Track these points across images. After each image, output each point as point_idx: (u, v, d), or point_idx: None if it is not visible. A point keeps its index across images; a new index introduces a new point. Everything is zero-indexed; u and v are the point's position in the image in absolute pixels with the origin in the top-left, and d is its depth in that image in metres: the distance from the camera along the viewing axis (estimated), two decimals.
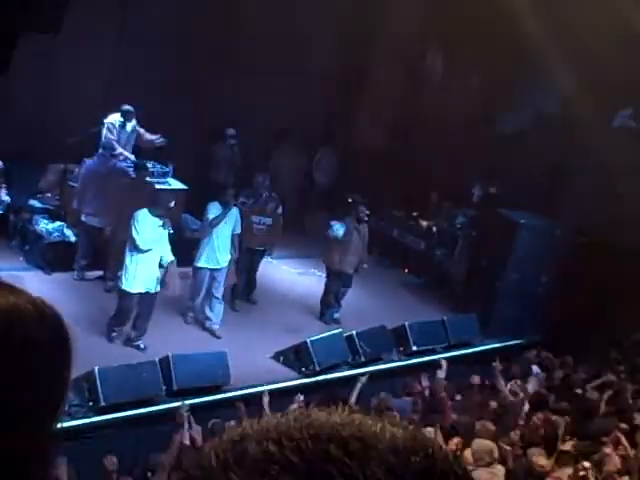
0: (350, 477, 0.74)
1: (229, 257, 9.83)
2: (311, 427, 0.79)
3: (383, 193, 14.14)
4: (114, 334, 9.02)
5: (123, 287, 8.79)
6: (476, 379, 9.42)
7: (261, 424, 0.81)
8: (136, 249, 8.66)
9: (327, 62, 14.57)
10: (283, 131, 13.80)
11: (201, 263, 9.72)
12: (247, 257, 10.62)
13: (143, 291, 8.77)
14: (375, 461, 0.75)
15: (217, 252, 9.69)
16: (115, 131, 11.56)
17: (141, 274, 8.72)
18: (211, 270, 9.73)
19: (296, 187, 14.07)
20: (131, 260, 8.71)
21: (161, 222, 8.76)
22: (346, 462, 0.75)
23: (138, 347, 8.97)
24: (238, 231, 9.92)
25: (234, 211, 9.80)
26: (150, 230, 8.69)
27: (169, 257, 8.85)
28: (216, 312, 9.90)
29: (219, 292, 9.85)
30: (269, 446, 0.77)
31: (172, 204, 9.11)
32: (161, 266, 8.84)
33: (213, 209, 9.72)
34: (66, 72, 11.93)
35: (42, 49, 11.11)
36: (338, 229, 10.56)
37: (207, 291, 9.82)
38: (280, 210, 10.78)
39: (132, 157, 11.69)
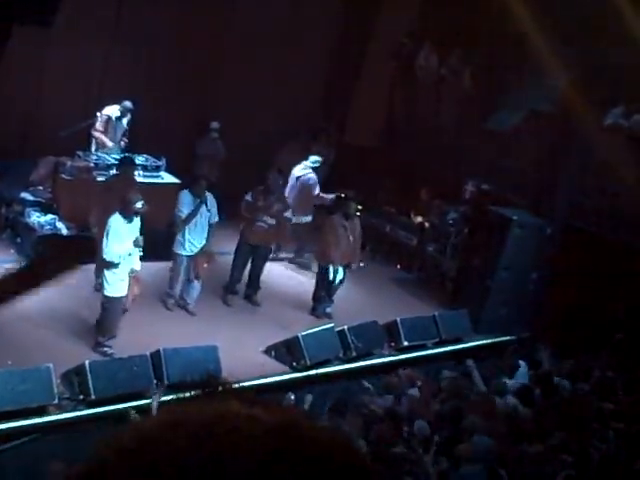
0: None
1: (204, 243, 9.94)
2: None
3: (375, 189, 14.16)
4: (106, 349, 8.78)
5: (107, 294, 8.66)
6: (446, 373, 9.45)
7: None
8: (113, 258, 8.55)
9: (320, 59, 14.58)
10: (294, 129, 13.96)
11: (179, 250, 9.89)
12: (246, 253, 10.65)
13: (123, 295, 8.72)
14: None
15: (193, 240, 9.87)
16: (111, 123, 11.60)
17: (120, 278, 8.65)
18: (188, 256, 9.90)
19: None
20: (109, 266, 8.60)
21: (132, 225, 8.62)
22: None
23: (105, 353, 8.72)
24: (215, 220, 10.03)
25: (209, 201, 9.88)
26: (123, 235, 8.56)
27: (137, 266, 8.77)
28: (191, 295, 10.08)
29: (194, 275, 9.98)
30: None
31: (140, 205, 8.69)
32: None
33: (185, 199, 9.84)
34: (58, 67, 11.92)
35: (34, 44, 11.09)
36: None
37: (185, 275, 10.03)
38: (288, 214, 10.85)
39: (116, 149, 11.69)
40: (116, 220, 8.58)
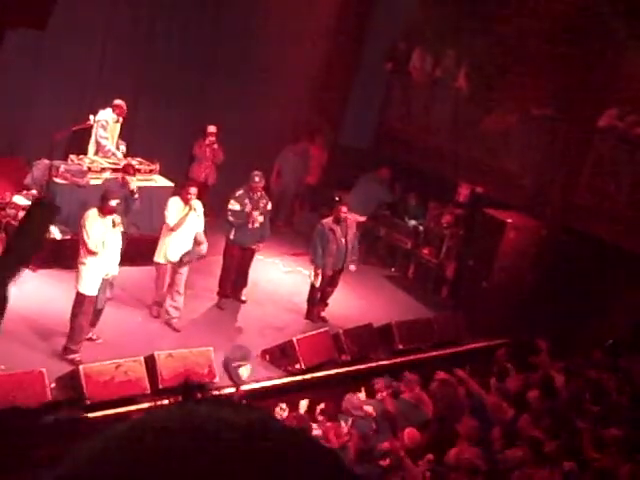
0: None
1: (188, 249, 9.68)
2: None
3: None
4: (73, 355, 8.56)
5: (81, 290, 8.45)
6: (440, 374, 9.39)
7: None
8: (87, 252, 8.37)
9: (313, 60, 14.56)
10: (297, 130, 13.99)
11: (161, 259, 9.68)
12: (237, 255, 10.59)
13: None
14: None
15: (177, 248, 9.61)
16: (108, 128, 11.57)
17: (94, 277, 8.47)
18: (172, 264, 9.67)
19: (295, 187, 14.19)
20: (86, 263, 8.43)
21: (111, 222, 8.43)
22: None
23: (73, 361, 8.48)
24: (200, 229, 9.77)
25: (195, 207, 9.66)
26: (98, 229, 8.37)
27: (114, 270, 8.63)
28: (175, 306, 9.77)
29: (181, 285, 9.73)
30: None
31: (114, 202, 8.50)
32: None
33: (174, 206, 9.64)
34: (52, 69, 11.89)
35: (28, 46, 11.07)
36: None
37: (170, 284, 9.75)
38: (270, 206, 10.77)
39: (119, 154, 11.68)
40: (92, 214, 8.42)
